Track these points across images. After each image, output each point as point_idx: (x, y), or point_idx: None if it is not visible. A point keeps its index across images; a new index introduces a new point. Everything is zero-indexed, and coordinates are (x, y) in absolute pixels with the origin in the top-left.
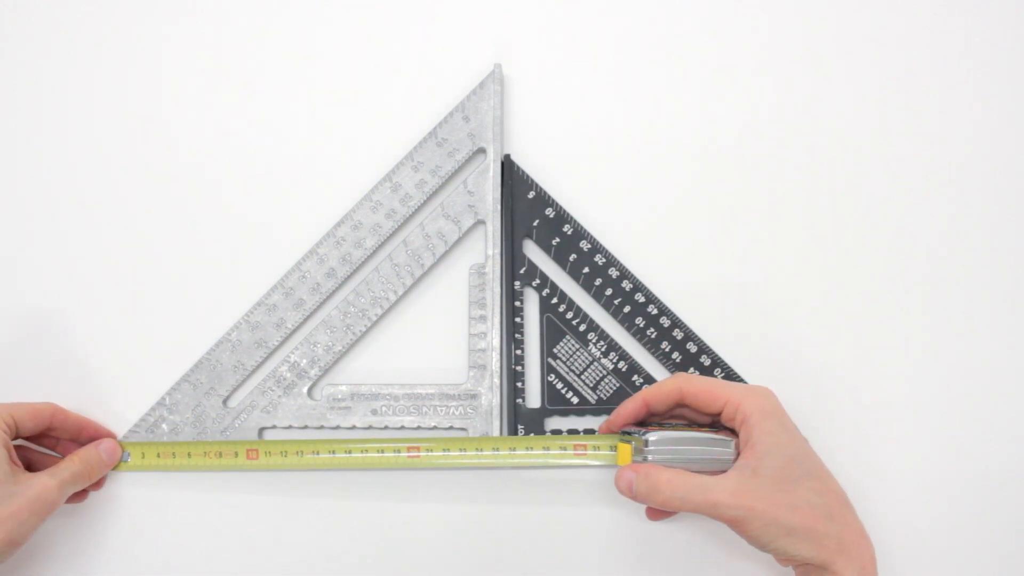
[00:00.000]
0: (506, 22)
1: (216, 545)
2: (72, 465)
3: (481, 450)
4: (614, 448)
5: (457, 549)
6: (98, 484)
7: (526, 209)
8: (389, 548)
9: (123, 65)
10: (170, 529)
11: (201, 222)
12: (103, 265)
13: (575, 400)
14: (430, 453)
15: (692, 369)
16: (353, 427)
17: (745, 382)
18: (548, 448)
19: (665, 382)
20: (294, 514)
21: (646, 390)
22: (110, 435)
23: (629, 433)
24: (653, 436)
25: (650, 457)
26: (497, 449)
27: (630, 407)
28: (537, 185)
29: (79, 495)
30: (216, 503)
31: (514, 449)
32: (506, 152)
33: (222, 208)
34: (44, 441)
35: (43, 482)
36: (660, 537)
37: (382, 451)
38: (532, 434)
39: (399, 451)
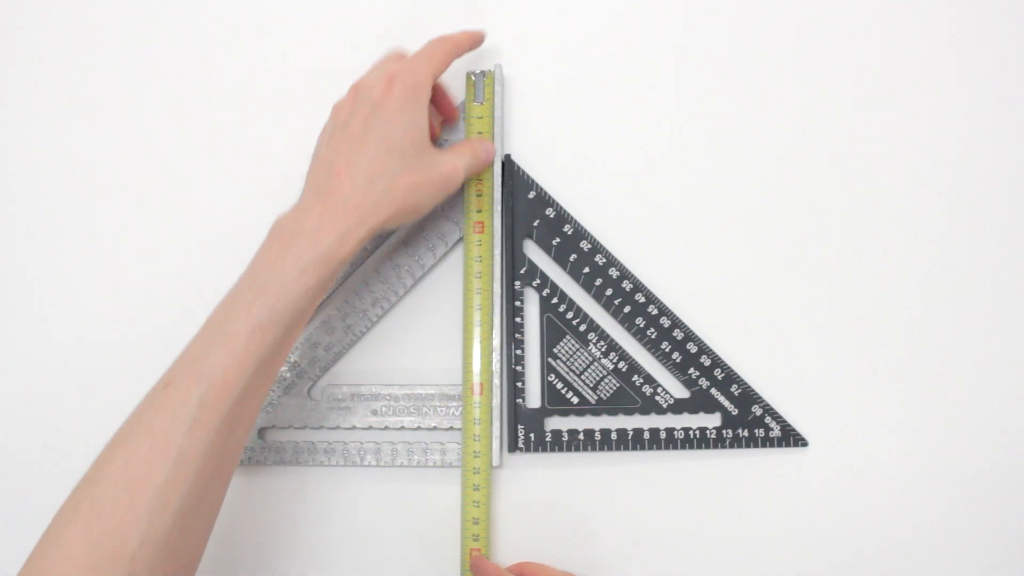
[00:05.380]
0: (506, 22)
1: (215, 543)
2: (467, 153)
3: None
4: None
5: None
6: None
7: (526, 209)
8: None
9: (118, 65)
10: None
11: (202, 222)
12: (103, 264)
13: (575, 400)
14: None
15: (692, 370)
16: (353, 427)
17: (745, 383)
18: None
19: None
20: (294, 513)
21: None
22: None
23: None
24: None
25: None
26: None
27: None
28: (537, 185)
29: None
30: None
31: None
32: (506, 152)
33: (224, 207)
34: None
35: (452, 162)
36: None
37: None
38: (532, 434)
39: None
